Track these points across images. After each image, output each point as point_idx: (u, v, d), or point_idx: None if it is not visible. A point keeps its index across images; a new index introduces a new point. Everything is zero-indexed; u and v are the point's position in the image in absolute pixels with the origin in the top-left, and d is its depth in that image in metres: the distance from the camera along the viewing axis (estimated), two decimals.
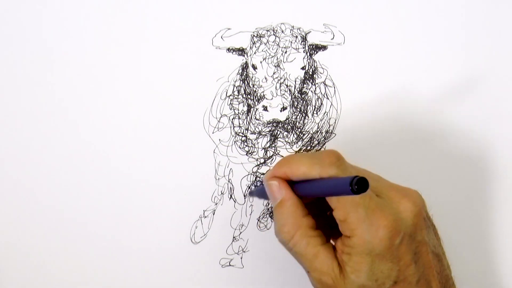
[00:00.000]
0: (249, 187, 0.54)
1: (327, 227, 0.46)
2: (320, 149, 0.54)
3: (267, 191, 0.47)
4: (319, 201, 0.46)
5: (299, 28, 0.53)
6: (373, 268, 0.42)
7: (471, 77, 0.54)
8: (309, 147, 0.54)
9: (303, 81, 0.53)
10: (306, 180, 0.44)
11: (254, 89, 0.53)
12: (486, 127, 0.55)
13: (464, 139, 0.55)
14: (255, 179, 0.54)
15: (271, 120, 0.53)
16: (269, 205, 0.54)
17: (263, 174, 0.54)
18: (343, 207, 0.42)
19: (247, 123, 0.53)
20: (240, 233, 0.54)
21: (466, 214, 0.55)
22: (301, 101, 0.53)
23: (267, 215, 0.54)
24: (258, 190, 0.52)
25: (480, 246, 0.56)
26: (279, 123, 0.53)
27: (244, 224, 0.54)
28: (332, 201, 0.43)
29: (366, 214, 0.42)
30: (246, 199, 0.53)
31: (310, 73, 0.53)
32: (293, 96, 0.53)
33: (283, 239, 0.45)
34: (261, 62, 0.52)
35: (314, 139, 0.54)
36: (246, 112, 0.53)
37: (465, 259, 0.55)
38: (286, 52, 0.52)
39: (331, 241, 0.46)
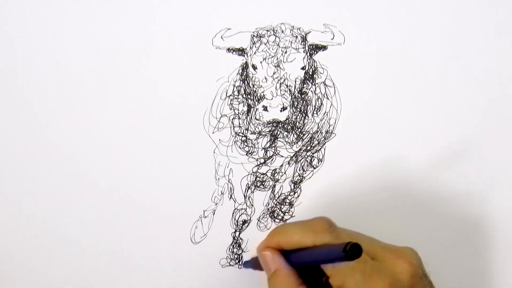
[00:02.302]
0: (249, 187, 0.54)
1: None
2: (320, 149, 0.54)
3: (261, 262, 0.47)
4: (313, 267, 0.46)
5: (299, 28, 0.53)
6: None
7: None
8: (309, 147, 0.54)
9: (303, 81, 0.53)
10: (299, 249, 0.45)
11: (254, 89, 0.53)
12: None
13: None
14: (255, 179, 0.54)
15: (271, 120, 0.53)
16: (269, 205, 0.54)
17: (263, 174, 0.54)
18: (339, 274, 0.43)
19: (247, 123, 0.53)
20: (240, 233, 0.54)
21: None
22: (301, 101, 0.53)
23: (267, 215, 0.54)
24: (253, 261, 0.52)
25: None
26: (279, 123, 0.53)
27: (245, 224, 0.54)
28: (328, 269, 0.43)
29: (363, 279, 0.42)
30: (240, 267, 0.54)
31: (310, 73, 0.53)
32: (293, 96, 0.53)
33: None
34: (261, 62, 0.52)
35: (314, 139, 0.54)
36: (246, 112, 0.53)
37: None
38: (286, 52, 0.52)
39: None
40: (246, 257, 0.53)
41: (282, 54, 0.52)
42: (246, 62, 0.53)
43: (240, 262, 0.54)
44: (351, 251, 0.37)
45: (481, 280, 0.56)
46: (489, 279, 0.56)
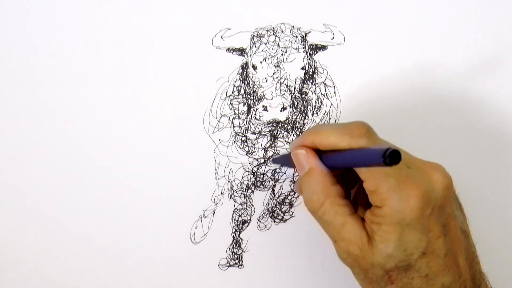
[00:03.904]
0: (249, 187, 0.54)
1: (354, 199, 0.46)
2: None
3: (294, 160, 0.46)
4: (344, 174, 0.46)
5: (299, 28, 0.53)
6: (403, 238, 0.42)
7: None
8: None
9: (303, 81, 0.53)
10: (333, 151, 0.44)
11: (254, 89, 0.53)
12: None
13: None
14: (255, 179, 0.54)
15: (271, 120, 0.53)
16: (269, 205, 0.54)
17: (263, 174, 0.54)
18: (374, 178, 0.42)
19: (247, 123, 0.53)
20: (240, 233, 0.54)
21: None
22: (301, 101, 0.53)
23: (267, 215, 0.54)
24: (283, 158, 0.50)
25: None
26: (279, 123, 0.53)
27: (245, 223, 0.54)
28: (362, 172, 0.43)
29: (397, 184, 0.41)
30: (268, 167, 0.53)
31: (310, 73, 0.53)
32: (293, 96, 0.53)
33: (312, 208, 0.44)
34: (261, 62, 0.52)
35: None
36: (246, 112, 0.53)
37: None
38: (286, 52, 0.52)
39: (359, 213, 0.45)
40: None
41: (282, 54, 0.52)
42: (246, 62, 0.53)
43: (240, 262, 0.54)
44: (390, 156, 0.36)
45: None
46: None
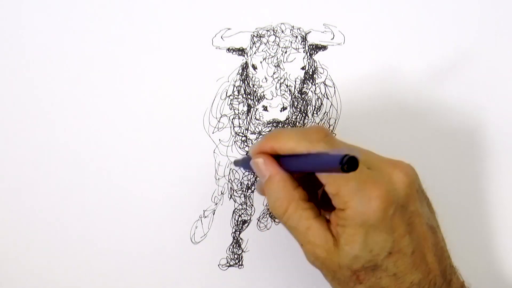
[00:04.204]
0: (249, 187, 0.54)
1: (317, 201, 0.46)
2: None
3: (254, 169, 0.46)
4: (307, 176, 0.46)
5: (299, 28, 0.53)
6: (368, 239, 0.42)
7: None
8: None
9: (303, 81, 0.53)
10: (293, 155, 0.44)
11: (254, 89, 0.53)
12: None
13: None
14: (255, 179, 0.54)
15: (271, 120, 0.53)
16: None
17: None
18: (334, 182, 0.42)
19: (247, 123, 0.53)
20: (240, 233, 0.54)
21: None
22: (301, 101, 0.53)
23: (267, 215, 0.54)
24: (245, 161, 0.50)
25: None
26: (279, 123, 0.53)
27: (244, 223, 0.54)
28: (322, 176, 0.43)
29: (358, 186, 0.41)
30: (230, 170, 0.53)
31: (310, 73, 0.53)
32: (293, 96, 0.53)
33: (277, 214, 0.44)
34: (261, 62, 0.52)
35: None
36: (246, 112, 0.53)
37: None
38: (286, 52, 0.52)
39: (324, 214, 0.45)
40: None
41: (282, 54, 0.52)
42: (246, 62, 0.53)
43: (240, 262, 0.54)
44: (348, 163, 0.36)
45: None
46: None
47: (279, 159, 0.45)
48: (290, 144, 0.43)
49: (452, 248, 0.46)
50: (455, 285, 0.45)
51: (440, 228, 0.46)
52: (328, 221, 0.44)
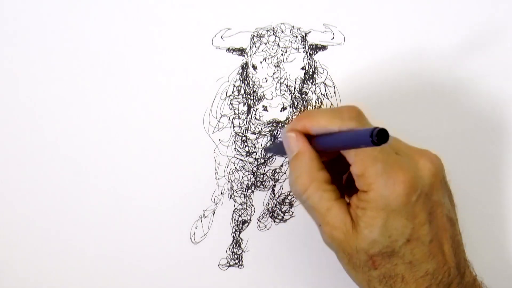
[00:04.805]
0: (249, 187, 0.54)
1: (341, 187, 0.46)
2: None
3: (285, 143, 0.46)
4: (335, 161, 0.46)
5: (299, 28, 0.53)
6: (387, 224, 0.42)
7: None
8: None
9: (303, 81, 0.53)
10: (325, 134, 0.44)
11: (254, 89, 0.53)
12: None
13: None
14: (255, 179, 0.54)
15: (271, 120, 0.53)
16: (269, 205, 0.54)
17: (263, 174, 0.54)
18: (361, 162, 0.42)
19: (247, 123, 0.53)
20: (240, 233, 0.54)
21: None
22: (301, 101, 0.53)
23: (267, 215, 0.54)
24: (276, 146, 0.51)
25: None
26: (279, 123, 0.53)
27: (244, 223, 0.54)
28: (350, 155, 0.43)
29: (384, 168, 0.41)
30: (261, 154, 0.53)
31: (310, 73, 0.53)
32: (293, 96, 0.53)
33: (297, 191, 0.44)
34: (261, 62, 0.52)
35: None
36: (246, 112, 0.53)
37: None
38: (286, 52, 0.52)
39: (346, 199, 0.45)
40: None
41: (282, 54, 0.52)
42: (246, 62, 0.53)
43: (240, 262, 0.54)
44: (378, 135, 0.36)
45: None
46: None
47: (310, 140, 0.45)
48: (323, 122, 0.43)
49: (467, 242, 0.47)
50: (468, 278, 0.45)
51: (458, 222, 0.46)
52: (348, 205, 0.44)
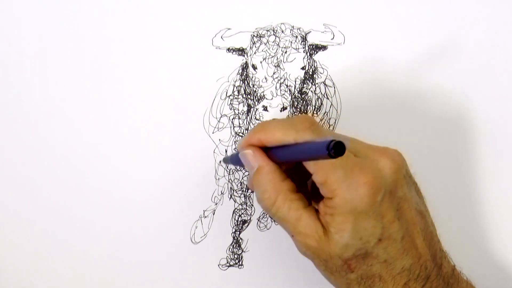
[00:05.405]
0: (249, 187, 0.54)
1: (307, 192, 0.46)
2: None
3: (243, 161, 0.46)
4: (296, 167, 0.46)
5: (299, 28, 0.53)
6: (357, 227, 0.42)
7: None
8: None
9: (303, 81, 0.53)
10: (281, 146, 0.44)
11: (254, 89, 0.53)
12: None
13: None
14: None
15: None
16: None
17: None
18: (322, 170, 0.42)
19: (247, 123, 0.53)
20: (240, 233, 0.54)
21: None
22: (301, 101, 0.53)
23: (267, 215, 0.54)
24: (233, 157, 0.50)
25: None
26: None
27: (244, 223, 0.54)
28: (310, 165, 0.43)
29: (345, 173, 0.41)
30: (220, 165, 0.53)
31: (310, 73, 0.53)
32: (293, 96, 0.53)
33: (265, 206, 0.44)
34: (261, 62, 0.52)
35: None
36: (246, 112, 0.53)
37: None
38: (286, 52, 0.52)
39: (314, 205, 0.45)
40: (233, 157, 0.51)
41: (282, 54, 0.52)
42: (246, 62, 0.53)
43: (240, 262, 0.54)
44: (335, 148, 0.36)
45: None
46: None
47: (267, 151, 0.45)
48: (278, 135, 0.43)
49: (443, 233, 0.47)
50: (446, 269, 0.45)
51: (429, 213, 0.46)
52: (317, 212, 0.44)
